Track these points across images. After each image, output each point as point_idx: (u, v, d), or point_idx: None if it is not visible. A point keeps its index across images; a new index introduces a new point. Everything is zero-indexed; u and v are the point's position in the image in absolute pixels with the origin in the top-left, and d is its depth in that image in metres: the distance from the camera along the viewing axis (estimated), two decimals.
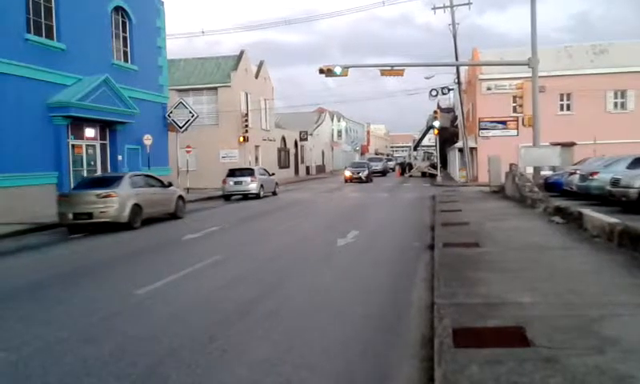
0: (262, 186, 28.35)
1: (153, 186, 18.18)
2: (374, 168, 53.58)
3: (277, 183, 31.25)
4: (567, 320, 5.31)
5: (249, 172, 28.73)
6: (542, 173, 23.21)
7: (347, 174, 44.72)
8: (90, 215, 15.42)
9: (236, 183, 27.85)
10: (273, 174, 31.59)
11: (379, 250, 11.48)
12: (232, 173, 28.58)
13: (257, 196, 27.72)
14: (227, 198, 28.19)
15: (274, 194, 29.93)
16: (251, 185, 27.69)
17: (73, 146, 22.00)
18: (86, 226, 15.59)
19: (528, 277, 7.27)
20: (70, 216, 15.52)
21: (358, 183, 41.08)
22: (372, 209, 21.03)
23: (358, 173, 43.76)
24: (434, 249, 10.28)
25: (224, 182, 28.36)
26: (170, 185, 19.81)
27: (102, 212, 15.43)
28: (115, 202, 15.60)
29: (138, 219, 16.34)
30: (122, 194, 15.89)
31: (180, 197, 19.52)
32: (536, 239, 10.63)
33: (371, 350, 5.45)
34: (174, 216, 18.67)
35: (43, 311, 7.17)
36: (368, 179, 43.10)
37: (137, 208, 16.25)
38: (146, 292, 7.90)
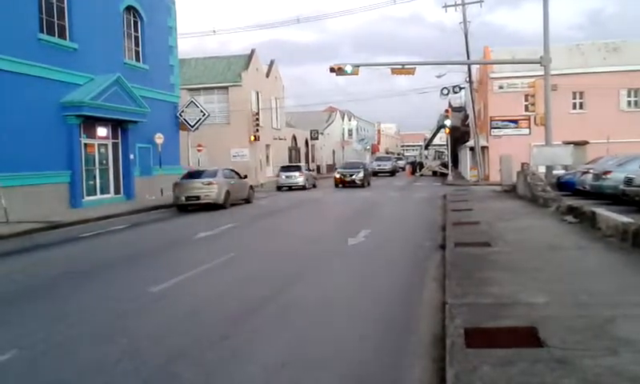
0: (307, 179, 34.76)
1: (234, 177, 23.24)
2: (382, 168, 53.01)
3: (315, 178, 38.92)
4: (580, 320, 5.27)
5: (297, 168, 36.25)
6: (555, 172, 23.05)
7: (337, 176, 35.82)
8: (197, 197, 20.74)
9: (287, 177, 34.39)
10: (312, 170, 38.56)
11: (390, 249, 11.46)
12: (284, 168, 35.89)
13: (303, 187, 33.79)
14: (279, 188, 34.13)
15: (314, 186, 36.10)
16: (299, 178, 34.13)
17: (85, 144, 22.16)
18: (189, 206, 20.93)
19: (540, 277, 7.22)
20: (183, 198, 20.86)
21: (352, 188, 33.32)
22: (383, 207, 20.99)
23: (352, 175, 35.03)
24: (445, 248, 10.23)
25: (278, 175, 35.62)
26: (245, 177, 25.17)
27: (206, 195, 20.70)
28: (215, 188, 20.91)
29: (228, 202, 21.47)
30: (220, 182, 21.30)
31: (251, 186, 25.02)
32: (548, 239, 10.55)
33: (382, 349, 5.44)
34: (247, 201, 23.87)
35: (58, 309, 7.22)
36: (364, 183, 34.99)
37: (227, 193, 21.50)
38: (160, 289, 7.94)
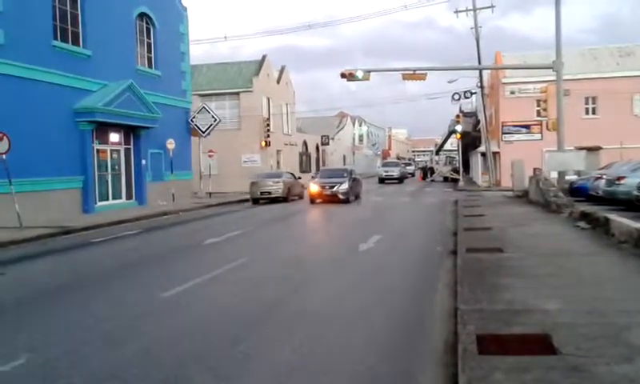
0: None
1: (292, 178, 29.75)
2: (389, 174, 49.67)
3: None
4: (594, 327, 5.21)
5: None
6: (567, 177, 22.88)
7: (313, 188, 25.94)
8: (269, 193, 27.30)
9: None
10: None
11: (401, 254, 11.42)
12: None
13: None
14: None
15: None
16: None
17: (98, 150, 22.34)
18: (262, 199, 27.40)
19: (553, 283, 7.16)
20: (258, 193, 27.41)
21: (335, 204, 24.43)
22: (394, 213, 20.93)
23: (332, 186, 25.48)
24: (456, 254, 10.18)
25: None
26: (300, 178, 31.79)
27: (275, 191, 27.29)
28: (282, 186, 27.52)
29: (289, 196, 27.78)
30: (285, 181, 28.14)
31: (302, 186, 30.48)
32: (561, 245, 10.47)
33: (393, 355, 5.41)
34: (300, 197, 29.52)
35: (71, 313, 7.27)
36: (348, 197, 25.51)
37: (288, 190, 27.88)
38: (172, 294, 7.96)
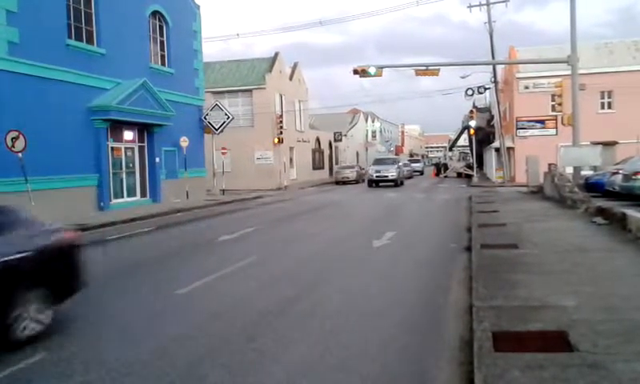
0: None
1: (360, 169, 46.23)
2: (381, 175, 36.59)
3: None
4: (612, 324, 5.15)
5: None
6: (583, 173, 22.64)
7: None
8: (347, 177, 42.93)
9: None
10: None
11: (415, 251, 11.38)
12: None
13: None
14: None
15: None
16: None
17: (112, 148, 22.46)
18: (343, 181, 42.45)
19: (570, 279, 7.09)
20: (340, 178, 43.55)
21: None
22: (408, 209, 20.86)
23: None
24: (471, 250, 10.12)
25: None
26: (362, 169, 46.59)
27: (351, 177, 43.19)
28: (355, 172, 43.93)
29: (360, 180, 42.05)
30: (354, 170, 44.52)
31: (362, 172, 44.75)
32: (577, 241, 10.36)
33: (408, 352, 5.39)
34: (357, 182, 42.46)
35: (86, 310, 7.32)
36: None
37: (359, 176, 43.74)
38: (187, 291, 8.00)
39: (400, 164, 40.60)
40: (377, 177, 36.84)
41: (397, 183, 36.89)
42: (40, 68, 18.49)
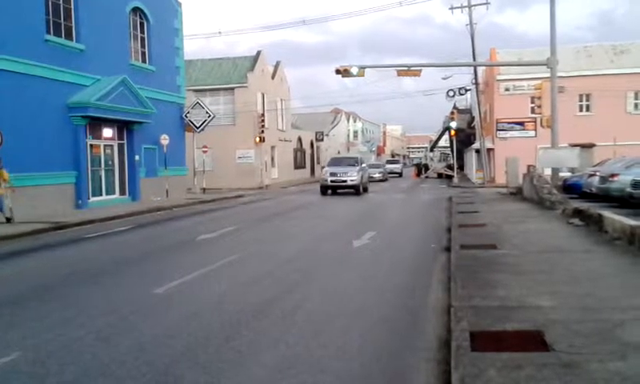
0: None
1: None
2: (337, 179, 29.08)
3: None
4: (587, 324, 5.22)
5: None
6: (561, 174, 22.94)
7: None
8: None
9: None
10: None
11: (395, 251, 11.41)
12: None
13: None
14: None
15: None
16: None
17: (91, 145, 22.20)
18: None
19: (547, 280, 7.17)
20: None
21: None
22: (388, 209, 20.93)
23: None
24: (450, 251, 10.18)
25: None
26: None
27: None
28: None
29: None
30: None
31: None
32: (555, 242, 10.49)
33: (387, 352, 5.40)
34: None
35: (63, 310, 7.21)
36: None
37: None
38: (165, 290, 7.92)
39: (364, 165, 32.59)
40: (332, 182, 29.17)
41: (358, 190, 29.08)
42: (18, 63, 18.20)
